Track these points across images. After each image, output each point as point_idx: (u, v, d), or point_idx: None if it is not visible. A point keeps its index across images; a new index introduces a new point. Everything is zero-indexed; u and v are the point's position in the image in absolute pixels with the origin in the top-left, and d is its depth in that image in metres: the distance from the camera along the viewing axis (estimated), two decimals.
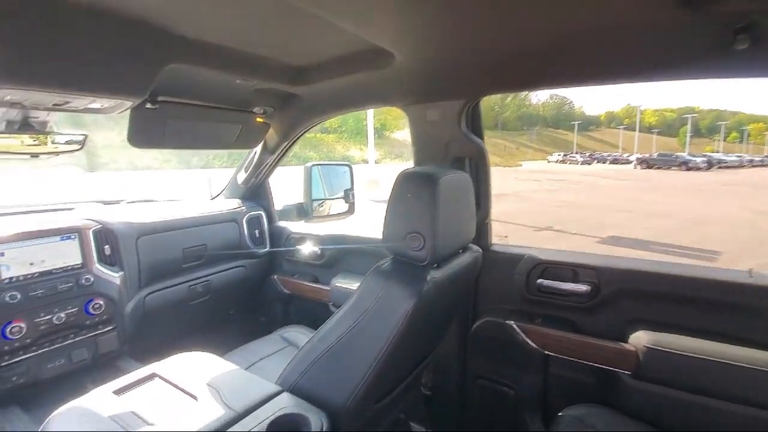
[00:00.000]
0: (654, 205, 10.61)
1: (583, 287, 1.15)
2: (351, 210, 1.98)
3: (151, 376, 0.95)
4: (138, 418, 0.80)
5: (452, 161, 1.27)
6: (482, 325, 1.31)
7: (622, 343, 1.08)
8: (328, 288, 1.71)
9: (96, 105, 1.01)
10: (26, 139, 1.05)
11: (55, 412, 0.82)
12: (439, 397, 1.45)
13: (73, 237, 1.25)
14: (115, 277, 1.33)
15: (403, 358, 0.92)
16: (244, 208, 1.86)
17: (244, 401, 0.84)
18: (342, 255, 1.73)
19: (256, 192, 1.93)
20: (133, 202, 1.75)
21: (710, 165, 26.05)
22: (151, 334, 1.50)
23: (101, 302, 1.27)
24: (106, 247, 1.33)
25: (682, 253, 5.81)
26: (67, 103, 0.96)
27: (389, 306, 0.82)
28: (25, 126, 1.05)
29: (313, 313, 1.79)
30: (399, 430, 1.27)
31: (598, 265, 1.15)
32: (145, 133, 1.22)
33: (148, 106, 1.15)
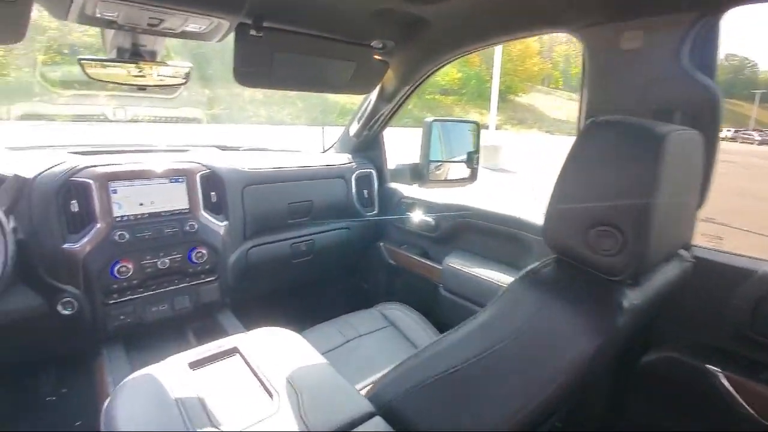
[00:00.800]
0: None
1: None
2: (473, 177, 1.65)
3: (232, 351, 0.82)
4: (204, 410, 0.65)
5: (654, 113, 0.82)
6: (658, 361, 0.90)
7: None
8: (440, 267, 1.45)
9: (193, 27, 0.86)
10: (133, 69, 0.97)
11: (127, 379, 0.72)
12: None
13: (181, 180, 1.19)
14: (219, 226, 1.26)
15: (556, 400, 0.60)
16: (354, 164, 1.67)
17: (326, 418, 0.63)
18: (461, 230, 1.43)
19: (368, 147, 1.71)
20: (249, 149, 1.68)
21: None
22: (251, 289, 1.44)
23: (204, 251, 1.21)
24: (213, 193, 1.26)
25: None
26: (161, 22, 0.82)
27: (552, 339, 0.51)
28: (135, 55, 0.97)
29: (419, 291, 1.55)
30: None
31: None
32: (251, 67, 1.05)
33: (253, 32, 0.97)
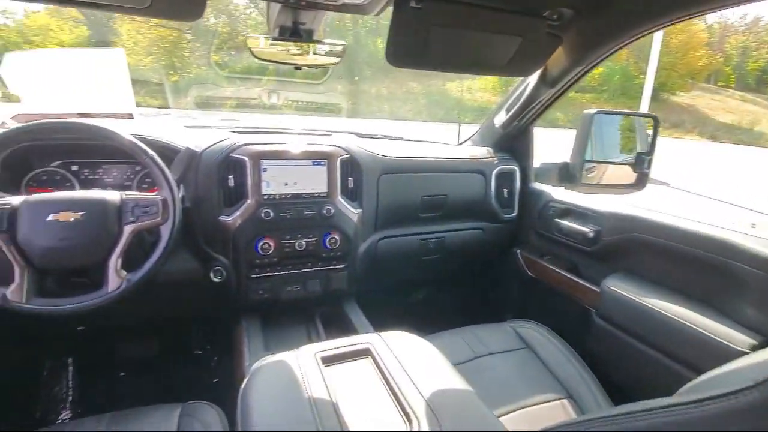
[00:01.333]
0: None
1: None
2: (641, 183, 1.34)
3: (365, 353, 0.74)
4: (336, 416, 0.58)
5: None
6: None
7: None
8: (596, 289, 1.19)
9: None
10: (292, 48, 0.96)
11: (263, 363, 0.70)
12: None
13: (323, 163, 1.18)
14: (354, 213, 1.22)
15: None
16: (495, 159, 1.49)
17: None
18: (630, 247, 1.15)
19: (513, 140, 1.51)
20: (386, 138, 1.64)
21: None
22: (376, 282, 1.39)
23: (337, 237, 1.19)
24: (350, 179, 1.22)
25: None
26: None
27: None
28: (294, 33, 0.96)
29: (562, 313, 1.32)
30: None
31: None
32: (406, 44, 0.96)
33: (413, 4, 0.87)
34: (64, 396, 1.31)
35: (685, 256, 1.01)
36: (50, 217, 0.78)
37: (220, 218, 1.09)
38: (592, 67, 1.18)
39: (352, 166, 1.23)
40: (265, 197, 1.11)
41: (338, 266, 1.23)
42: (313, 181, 1.17)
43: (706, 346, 0.90)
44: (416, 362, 0.72)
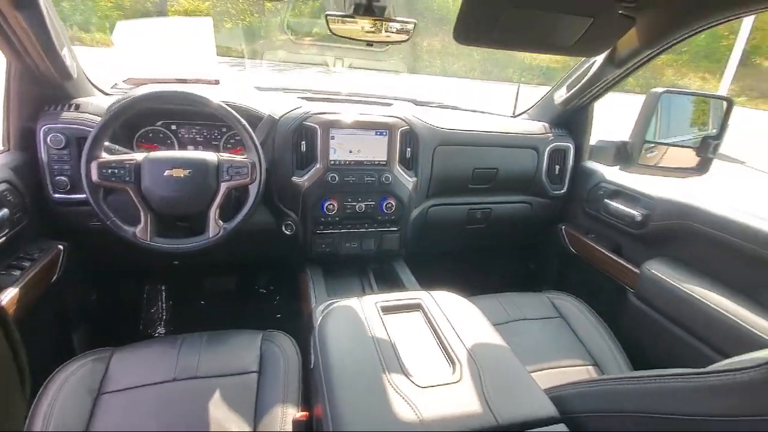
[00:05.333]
0: None
1: None
2: (703, 168, 1.30)
3: (417, 306, 0.87)
4: (395, 355, 0.72)
5: None
6: None
7: None
8: (636, 270, 1.24)
9: None
10: (366, 25, 1.03)
11: (334, 306, 0.85)
12: None
13: (384, 134, 1.27)
14: (409, 181, 1.32)
15: None
16: (551, 135, 1.51)
17: (511, 409, 0.62)
18: (677, 234, 1.17)
19: (571, 117, 1.51)
20: (441, 106, 1.68)
21: None
22: (424, 246, 1.51)
23: (393, 202, 1.30)
24: (408, 149, 1.31)
25: None
26: None
27: None
28: (368, 10, 1.02)
29: (599, 290, 1.38)
30: None
31: None
32: (475, 22, 0.99)
33: None
34: (160, 315, 1.59)
35: (736, 250, 1.03)
36: (166, 173, 0.94)
37: (292, 179, 1.23)
38: (663, 51, 1.15)
39: (410, 137, 1.31)
40: (332, 162, 1.23)
41: (392, 228, 1.35)
42: (374, 149, 1.27)
43: (739, 334, 0.94)
44: (460, 318, 0.84)
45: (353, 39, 1.05)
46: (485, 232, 1.55)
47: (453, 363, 0.72)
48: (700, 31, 1.05)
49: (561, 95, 1.45)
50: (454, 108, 1.69)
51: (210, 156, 1.01)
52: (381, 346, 0.73)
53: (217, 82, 1.30)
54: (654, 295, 1.16)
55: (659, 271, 1.16)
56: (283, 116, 1.21)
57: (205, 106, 1.01)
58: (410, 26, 1.05)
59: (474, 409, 0.61)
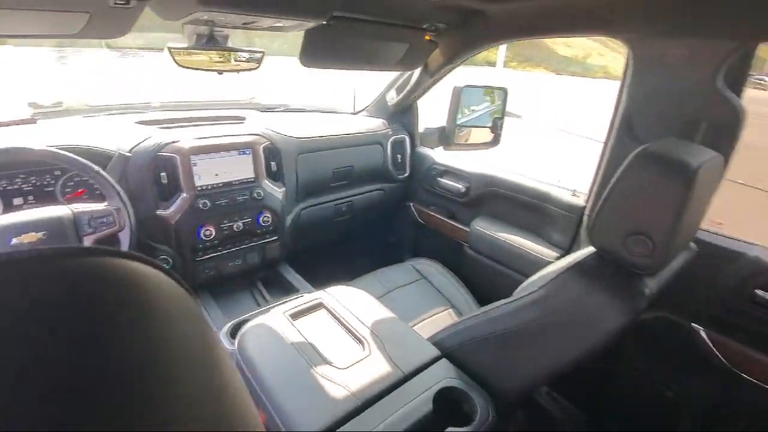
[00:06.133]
0: None
1: None
2: (496, 141, 1.77)
3: (318, 306, 1.02)
4: (315, 351, 0.87)
5: (685, 124, 0.95)
6: (654, 318, 1.13)
7: None
8: (466, 229, 1.64)
9: (280, 24, 0.95)
10: (214, 56, 1.05)
11: (246, 329, 0.93)
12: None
13: (247, 152, 1.32)
14: (279, 192, 1.41)
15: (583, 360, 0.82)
16: (390, 130, 1.79)
17: (409, 360, 0.85)
18: (489, 197, 1.60)
19: (402, 114, 1.81)
20: (288, 111, 1.78)
21: None
22: (303, 245, 1.64)
23: (268, 215, 1.38)
24: (273, 163, 1.39)
25: None
26: (254, 22, 0.91)
27: (593, 316, 0.70)
28: (211, 40, 1.05)
29: (444, 249, 1.76)
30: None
31: None
32: (318, 52, 1.14)
33: (324, 22, 1.05)
34: None
35: (525, 204, 1.48)
36: (14, 241, 0.83)
37: (157, 213, 1.19)
38: (460, 63, 1.50)
39: (273, 151, 1.39)
40: (200, 189, 1.24)
41: (271, 239, 1.44)
42: (240, 168, 1.32)
43: (533, 259, 1.39)
44: (355, 304, 1.03)
45: (202, 70, 1.07)
46: (351, 221, 1.77)
47: (361, 342, 0.91)
48: (483, 50, 1.42)
49: (392, 97, 1.73)
50: (301, 111, 1.82)
51: (61, 210, 0.92)
52: (300, 348, 0.87)
53: (33, 121, 1.12)
54: (480, 245, 1.57)
55: (481, 226, 1.57)
56: (133, 150, 1.15)
57: (46, 158, 0.91)
58: (259, 55, 1.12)
59: (386, 370, 0.82)
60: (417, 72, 1.56)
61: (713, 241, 1.04)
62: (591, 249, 0.79)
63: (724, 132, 0.91)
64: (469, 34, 1.31)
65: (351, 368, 0.83)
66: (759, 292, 0.96)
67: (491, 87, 1.83)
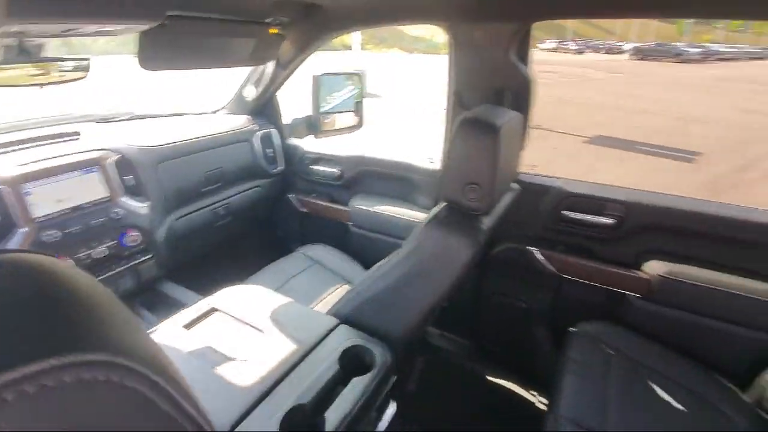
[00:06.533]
0: (644, 103, 10.49)
1: (607, 220, 1.23)
2: (360, 123, 1.91)
3: (211, 311, 1.02)
4: (217, 353, 0.88)
5: (495, 92, 1.21)
6: (502, 250, 1.41)
7: (636, 270, 1.21)
8: (347, 209, 1.75)
9: (108, 28, 0.89)
10: (31, 69, 0.94)
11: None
12: (454, 309, 1.62)
13: (94, 170, 1.20)
14: (142, 207, 1.32)
15: (450, 292, 1.01)
16: (255, 126, 1.78)
17: (310, 333, 0.93)
18: (362, 176, 1.73)
19: (264, 107, 1.82)
20: (135, 118, 1.63)
21: (706, 57, 24.96)
22: (184, 257, 1.56)
23: (135, 233, 1.29)
24: (129, 177, 1.29)
25: (667, 154, 6.00)
26: (75, 29, 0.84)
27: (449, 254, 0.87)
28: (23, 52, 0.93)
29: (331, 232, 1.86)
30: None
31: (626, 200, 1.21)
32: (156, 53, 1.09)
33: (159, 23, 1.01)
34: None
35: (393, 176, 1.65)
36: None
37: None
38: (311, 53, 1.57)
39: (125, 164, 1.28)
40: (42, 220, 1.09)
41: (144, 257, 1.34)
42: (89, 189, 1.19)
43: (407, 224, 1.57)
44: (250, 300, 1.06)
45: (20, 86, 0.93)
46: (233, 222, 1.74)
47: (261, 331, 0.95)
48: (331, 39, 1.50)
49: (251, 92, 1.72)
50: (151, 116, 1.69)
51: None
52: (199, 353, 0.87)
53: None
54: (362, 221, 1.71)
55: (359, 204, 1.70)
56: None
57: None
58: (86, 63, 1.02)
59: (290, 349, 0.89)
60: (271, 65, 1.58)
61: (530, 180, 1.35)
62: (444, 203, 0.97)
63: (521, 96, 1.18)
64: (311, 26, 1.39)
65: (253, 357, 0.87)
66: (564, 212, 1.29)
67: (348, 73, 1.95)
